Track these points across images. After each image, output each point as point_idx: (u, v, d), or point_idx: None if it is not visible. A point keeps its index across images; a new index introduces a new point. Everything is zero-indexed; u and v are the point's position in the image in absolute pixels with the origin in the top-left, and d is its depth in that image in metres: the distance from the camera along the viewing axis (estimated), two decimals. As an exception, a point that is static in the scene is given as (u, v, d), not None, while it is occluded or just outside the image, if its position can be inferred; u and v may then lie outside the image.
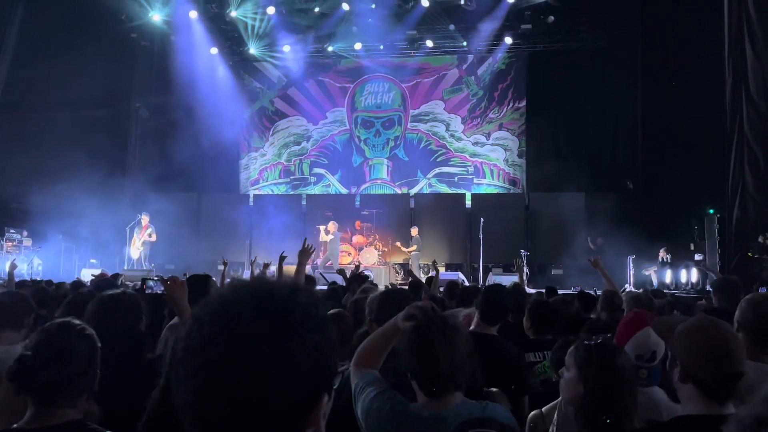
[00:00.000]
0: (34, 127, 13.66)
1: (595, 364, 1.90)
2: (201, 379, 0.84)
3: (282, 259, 5.40)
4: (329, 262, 13.21)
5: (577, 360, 1.94)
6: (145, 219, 13.66)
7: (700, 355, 1.76)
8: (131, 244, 13.75)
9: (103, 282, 4.51)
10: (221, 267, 7.89)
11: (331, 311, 3.17)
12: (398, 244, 14.12)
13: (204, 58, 16.15)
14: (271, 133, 17.31)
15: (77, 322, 1.83)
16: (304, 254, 4.00)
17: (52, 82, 13.17)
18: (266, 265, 7.08)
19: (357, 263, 13.82)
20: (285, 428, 0.86)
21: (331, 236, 13.70)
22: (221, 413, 0.83)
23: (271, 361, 0.84)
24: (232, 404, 0.83)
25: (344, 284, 6.31)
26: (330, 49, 16.25)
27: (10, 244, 12.83)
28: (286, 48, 16.26)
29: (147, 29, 15.55)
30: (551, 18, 14.50)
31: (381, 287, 10.91)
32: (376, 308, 2.82)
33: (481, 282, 12.48)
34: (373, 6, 14.68)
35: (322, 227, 13.83)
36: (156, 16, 15.11)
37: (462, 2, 14.17)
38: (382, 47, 16.17)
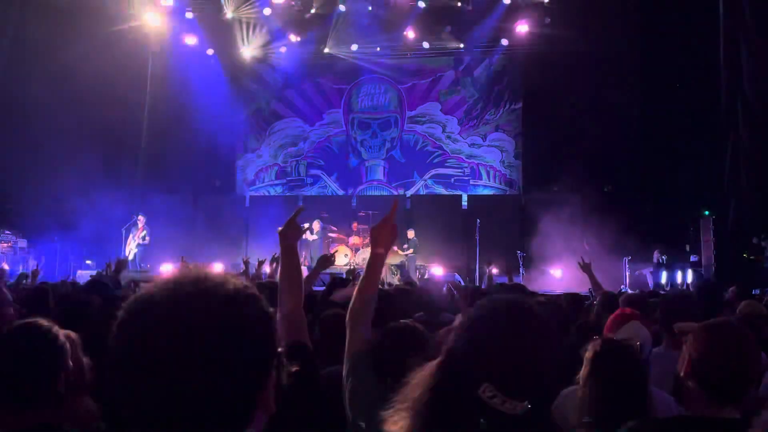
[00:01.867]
0: (28, 128, 13.59)
1: (610, 364, 1.91)
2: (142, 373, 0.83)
3: (275, 259, 5.37)
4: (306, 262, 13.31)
5: (594, 360, 1.95)
6: (141, 220, 13.63)
7: (707, 352, 1.73)
8: (126, 245, 13.73)
9: (98, 283, 4.48)
10: (242, 267, 7.85)
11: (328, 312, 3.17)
12: (395, 247, 14.11)
13: (200, 60, 16.12)
14: (267, 134, 17.29)
15: (43, 323, 1.79)
16: (326, 261, 3.98)
17: (47, 82, 13.13)
18: (260, 263, 7.06)
19: (353, 266, 13.82)
20: (233, 419, 0.86)
21: (314, 236, 13.78)
22: (165, 409, 0.83)
23: (209, 350, 0.83)
24: (176, 399, 0.83)
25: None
26: (326, 50, 16.25)
27: (6, 245, 12.78)
28: (283, 49, 16.25)
29: (143, 29, 15.49)
30: (547, 19, 14.55)
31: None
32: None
33: (477, 283, 12.48)
34: (370, 8, 14.70)
35: (305, 225, 13.89)
36: (152, 17, 15.07)
37: (459, 4, 14.19)
38: (378, 49, 16.16)
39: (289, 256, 2.31)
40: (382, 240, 2.19)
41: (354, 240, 14.61)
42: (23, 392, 1.69)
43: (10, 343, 1.73)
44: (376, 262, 2.17)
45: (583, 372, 1.98)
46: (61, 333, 1.79)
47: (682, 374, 1.78)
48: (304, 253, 13.61)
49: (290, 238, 2.34)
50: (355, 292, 2.18)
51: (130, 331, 0.86)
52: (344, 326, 2.18)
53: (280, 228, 2.36)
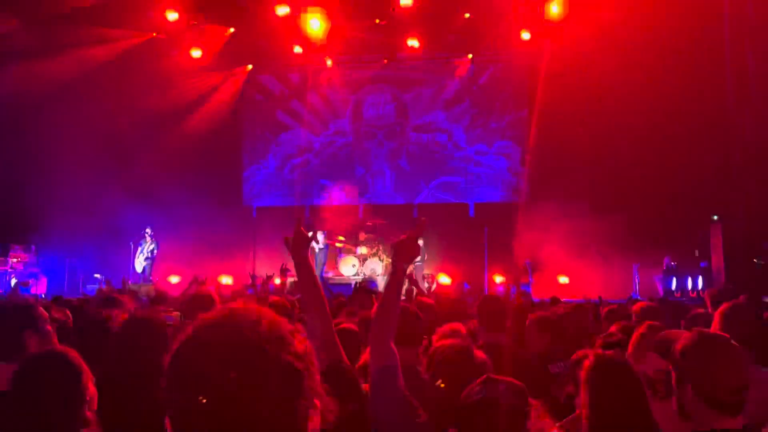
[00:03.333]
0: (36, 139, 13.70)
1: (598, 382, 1.89)
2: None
3: (283, 270, 5.35)
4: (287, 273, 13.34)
5: (586, 377, 1.94)
6: (149, 233, 13.72)
7: (711, 373, 1.77)
8: (135, 258, 13.81)
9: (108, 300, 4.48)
10: (277, 280, 7.85)
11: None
12: None
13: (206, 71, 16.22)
14: (273, 145, 17.35)
15: (68, 351, 1.80)
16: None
17: (54, 99, 13.28)
18: (268, 278, 7.06)
19: (362, 275, 13.85)
20: None
21: (320, 245, 13.85)
22: None
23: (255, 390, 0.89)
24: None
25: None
26: (329, 62, 16.34)
27: (16, 260, 12.87)
28: (288, 61, 16.32)
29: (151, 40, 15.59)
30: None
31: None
32: None
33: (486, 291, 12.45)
34: (378, 21, 14.76)
35: (310, 234, 13.99)
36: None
37: (465, 14, 14.25)
38: (385, 62, 16.25)
39: (304, 273, 2.30)
40: (404, 255, 2.16)
41: (362, 250, 14.61)
42: (49, 419, 1.70)
43: (37, 371, 1.73)
44: (397, 277, 2.15)
45: (581, 396, 1.96)
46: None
47: (688, 397, 1.80)
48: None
49: (300, 250, 2.33)
50: (377, 308, 2.15)
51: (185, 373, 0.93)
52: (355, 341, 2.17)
53: (288, 241, 2.36)
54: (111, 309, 2.97)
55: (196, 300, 3.53)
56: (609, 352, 2.12)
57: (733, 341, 1.86)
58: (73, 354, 1.80)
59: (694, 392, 1.79)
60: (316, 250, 14.01)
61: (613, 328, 4.21)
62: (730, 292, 4.15)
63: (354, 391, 2.00)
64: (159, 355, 1.00)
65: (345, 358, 2.17)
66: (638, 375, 2.00)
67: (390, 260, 12.62)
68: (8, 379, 1.76)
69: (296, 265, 2.30)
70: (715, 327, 2.53)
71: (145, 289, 11.32)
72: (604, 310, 5.70)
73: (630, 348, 2.41)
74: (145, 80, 15.10)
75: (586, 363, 1.98)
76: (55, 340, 2.66)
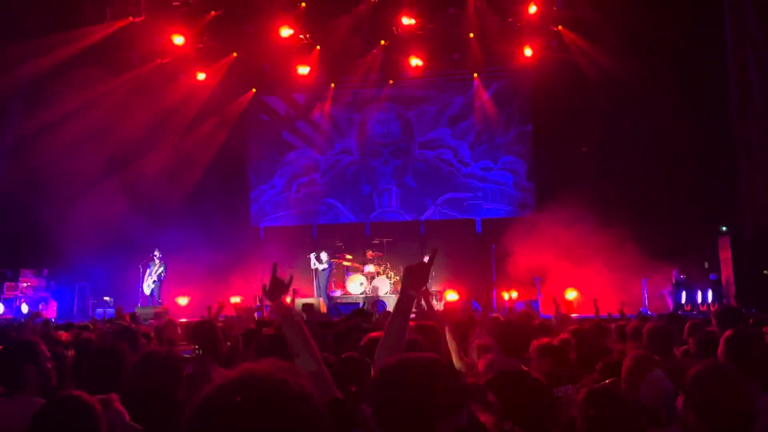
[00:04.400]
0: (48, 167, 13.85)
1: (591, 415, 1.90)
2: None
3: (294, 292, 5.36)
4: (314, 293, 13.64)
5: (579, 410, 1.95)
6: (157, 255, 13.80)
7: (715, 402, 1.78)
8: (144, 281, 13.87)
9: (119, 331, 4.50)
10: (288, 299, 7.90)
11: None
12: None
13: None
14: (280, 165, 17.46)
15: (84, 396, 1.83)
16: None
17: (63, 123, 13.44)
18: (245, 309, 7.06)
19: (369, 293, 13.86)
20: None
21: (324, 265, 13.92)
22: None
23: None
24: None
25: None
26: (332, 85, 16.54)
27: (26, 284, 12.95)
28: (293, 81, 16.46)
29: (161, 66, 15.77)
30: (554, 43, 14.66)
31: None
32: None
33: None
34: (383, 42, 14.91)
35: (312, 255, 14.16)
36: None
37: (469, 34, 14.40)
38: (389, 79, 16.38)
39: (282, 316, 2.30)
40: (415, 281, 2.15)
41: (369, 268, 14.62)
42: None
43: (53, 416, 1.76)
44: (406, 304, 2.12)
45: (579, 427, 1.97)
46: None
47: (694, 425, 1.81)
48: (313, 283, 13.90)
49: (275, 296, 2.35)
50: (384, 335, 2.12)
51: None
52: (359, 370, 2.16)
53: (265, 287, 2.39)
54: (123, 343, 2.99)
55: (208, 332, 3.55)
56: (605, 383, 2.13)
57: (739, 371, 1.87)
58: (89, 399, 1.83)
59: (697, 418, 1.81)
60: (320, 270, 14.10)
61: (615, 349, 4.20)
62: (737, 312, 4.12)
63: (354, 422, 2.01)
64: (172, 394, 1.02)
65: (336, 390, 2.17)
66: (633, 405, 2.00)
67: (398, 278, 12.68)
68: (18, 417, 1.79)
69: (274, 310, 2.32)
70: (720, 353, 2.52)
71: (153, 311, 11.36)
72: (612, 326, 5.67)
73: (623, 377, 2.41)
74: (152, 103, 15.25)
75: (579, 397, 2.00)
76: (56, 377, 2.72)
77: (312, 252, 14.32)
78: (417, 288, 2.16)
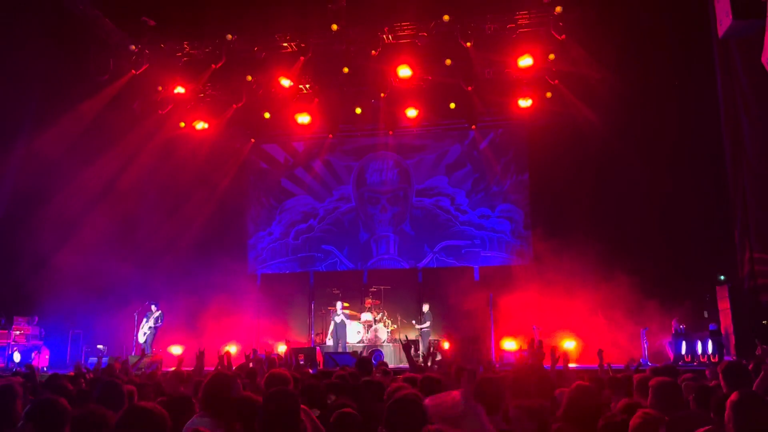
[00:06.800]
0: (42, 214, 13.88)
1: None
2: None
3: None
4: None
5: None
6: (154, 309, 13.83)
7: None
8: (139, 328, 13.76)
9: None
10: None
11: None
12: (414, 322, 14.42)
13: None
14: (278, 212, 17.53)
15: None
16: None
17: (59, 171, 13.55)
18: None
19: (367, 343, 13.72)
20: None
21: (339, 317, 13.91)
22: None
23: None
24: None
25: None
26: (330, 135, 16.80)
27: (19, 332, 12.82)
28: (292, 129, 16.69)
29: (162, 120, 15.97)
30: (549, 94, 14.94)
31: (391, 365, 10.76)
32: (387, 415, 2.73)
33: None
34: (383, 95, 15.20)
35: (331, 308, 14.39)
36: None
37: (467, 87, 14.72)
38: (387, 129, 16.62)
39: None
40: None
41: (366, 317, 14.52)
42: None
43: None
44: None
45: None
46: None
47: None
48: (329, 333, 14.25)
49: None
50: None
51: None
52: None
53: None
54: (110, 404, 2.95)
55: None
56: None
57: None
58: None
59: None
60: (337, 321, 14.12)
61: (616, 406, 4.11)
62: (743, 369, 4.08)
63: None
64: None
65: None
66: None
67: (395, 327, 12.60)
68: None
69: None
70: (728, 418, 2.50)
71: (146, 360, 11.20)
72: (606, 378, 5.56)
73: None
74: (149, 151, 15.41)
75: None
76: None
77: (331, 305, 14.59)
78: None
